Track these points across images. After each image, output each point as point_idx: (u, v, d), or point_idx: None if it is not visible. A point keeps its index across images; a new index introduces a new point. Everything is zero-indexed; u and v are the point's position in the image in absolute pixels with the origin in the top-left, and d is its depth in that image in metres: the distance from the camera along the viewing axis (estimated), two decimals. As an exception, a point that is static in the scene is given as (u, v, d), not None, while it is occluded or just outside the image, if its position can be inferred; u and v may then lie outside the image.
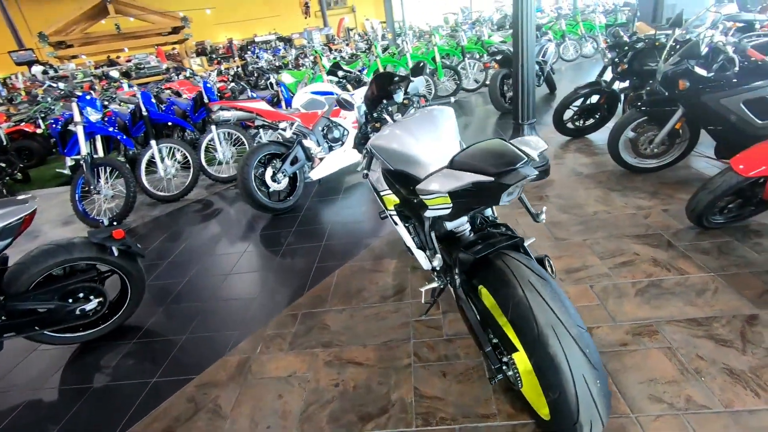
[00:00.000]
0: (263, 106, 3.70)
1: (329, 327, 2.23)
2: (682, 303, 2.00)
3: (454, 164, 1.21)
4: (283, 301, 2.52)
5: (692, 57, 2.67)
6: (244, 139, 4.93)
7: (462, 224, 1.71)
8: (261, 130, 5.19)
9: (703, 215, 2.41)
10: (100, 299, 2.28)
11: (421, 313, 2.20)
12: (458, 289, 1.54)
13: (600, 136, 4.47)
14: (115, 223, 2.32)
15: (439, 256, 1.53)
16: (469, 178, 1.08)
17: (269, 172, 3.67)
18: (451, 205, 1.28)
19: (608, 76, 4.23)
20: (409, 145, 1.71)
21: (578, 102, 4.31)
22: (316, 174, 3.99)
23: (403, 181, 1.80)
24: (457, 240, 1.69)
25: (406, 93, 2.20)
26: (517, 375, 1.38)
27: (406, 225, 2.10)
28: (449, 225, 1.71)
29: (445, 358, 1.90)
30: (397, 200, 2.06)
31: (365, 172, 2.11)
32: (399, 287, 2.46)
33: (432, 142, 1.70)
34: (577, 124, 4.47)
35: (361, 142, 2.44)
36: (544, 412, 1.42)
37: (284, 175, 3.71)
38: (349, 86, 4.30)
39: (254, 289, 2.71)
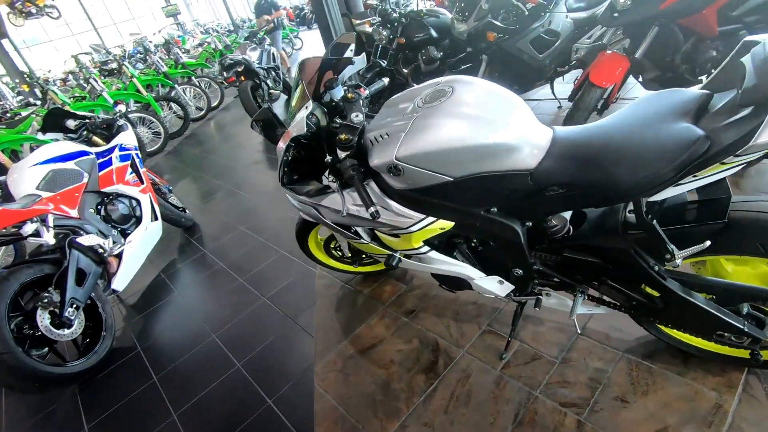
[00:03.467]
0: (-28, 208, 1.88)
1: (422, 466, 1.35)
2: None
3: None
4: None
5: (504, 7, 2.95)
6: None
7: (564, 221, 1.26)
8: None
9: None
10: None
11: (500, 355, 1.62)
12: (667, 283, 1.12)
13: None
14: None
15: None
16: None
17: (44, 316, 1.97)
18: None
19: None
20: (488, 133, 1.11)
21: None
22: (123, 280, 2.46)
23: (479, 187, 1.18)
24: (555, 239, 1.26)
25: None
26: None
27: (454, 255, 1.45)
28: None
29: (593, 383, 1.44)
30: (433, 231, 1.36)
31: (373, 210, 1.28)
32: (431, 345, 1.75)
33: (514, 116, 1.16)
34: (370, 106, 4.43)
35: (292, 180, 1.56)
36: None
37: (77, 308, 2.08)
38: (97, 139, 2.76)
39: None
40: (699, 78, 2.74)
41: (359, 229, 1.58)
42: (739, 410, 1.25)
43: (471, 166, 1.14)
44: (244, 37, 7.08)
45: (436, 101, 1.19)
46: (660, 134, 0.95)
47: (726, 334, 1.15)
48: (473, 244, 1.43)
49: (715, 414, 1.26)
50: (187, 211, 3.44)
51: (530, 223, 1.27)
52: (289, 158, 1.49)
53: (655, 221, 1.02)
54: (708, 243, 0.98)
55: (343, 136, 1.28)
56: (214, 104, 7.30)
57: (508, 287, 1.45)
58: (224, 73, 5.27)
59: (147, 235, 2.70)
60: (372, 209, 1.27)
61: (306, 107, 1.33)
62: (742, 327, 1.10)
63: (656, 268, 1.12)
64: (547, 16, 3.16)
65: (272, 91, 5.71)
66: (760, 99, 0.81)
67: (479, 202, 1.24)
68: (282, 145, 1.46)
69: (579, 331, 1.29)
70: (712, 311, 1.11)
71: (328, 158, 1.39)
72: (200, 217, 3.56)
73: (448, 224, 1.31)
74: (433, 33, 4.00)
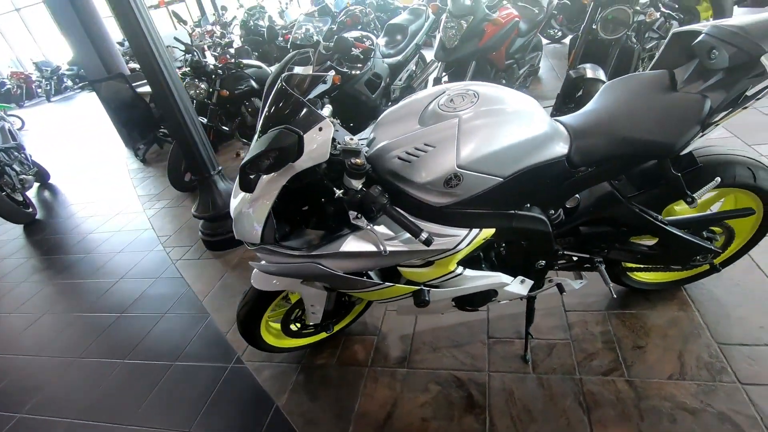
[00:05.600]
0: None
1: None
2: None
3: None
4: None
5: (343, 51, 3.03)
6: None
7: (578, 201, 1.41)
8: None
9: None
10: None
11: (523, 358, 1.58)
12: (669, 228, 1.35)
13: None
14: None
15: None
16: None
17: None
18: None
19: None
20: (530, 125, 1.15)
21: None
22: None
23: (523, 183, 1.18)
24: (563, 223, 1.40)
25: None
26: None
27: (483, 266, 1.37)
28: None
29: (609, 345, 1.57)
30: (477, 244, 1.26)
31: (425, 236, 1.08)
32: (452, 383, 1.56)
33: (536, 109, 1.21)
34: (193, 177, 3.81)
35: (285, 234, 1.21)
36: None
37: None
38: None
39: None
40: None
41: (371, 273, 1.31)
42: (703, 317, 1.59)
43: (521, 162, 1.13)
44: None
45: (469, 104, 1.13)
46: (668, 103, 1.16)
47: (699, 257, 1.46)
48: (501, 250, 1.38)
49: (695, 326, 1.56)
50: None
51: (553, 211, 1.33)
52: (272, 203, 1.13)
53: (679, 174, 1.22)
54: (719, 179, 1.24)
55: (358, 161, 1.06)
56: None
57: (529, 284, 1.46)
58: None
59: None
60: (424, 235, 1.09)
61: (320, 128, 1.04)
62: (711, 247, 1.42)
63: (659, 218, 1.33)
64: (372, 61, 3.46)
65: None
66: (744, 59, 1.08)
67: (516, 201, 1.23)
68: (272, 185, 1.10)
69: (614, 295, 1.40)
70: (697, 241, 1.39)
71: (339, 193, 1.11)
72: (-24, 373, 2.24)
73: (489, 233, 1.24)
74: (254, 84, 3.83)
